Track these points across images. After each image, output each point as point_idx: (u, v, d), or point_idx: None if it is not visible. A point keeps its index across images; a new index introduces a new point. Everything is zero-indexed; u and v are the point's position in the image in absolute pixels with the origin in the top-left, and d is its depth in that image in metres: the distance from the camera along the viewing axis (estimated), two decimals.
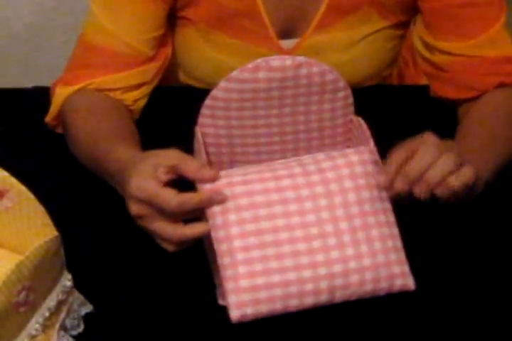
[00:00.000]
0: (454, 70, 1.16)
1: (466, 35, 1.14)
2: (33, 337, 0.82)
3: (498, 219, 1.03)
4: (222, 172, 0.86)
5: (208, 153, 0.96)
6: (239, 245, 0.83)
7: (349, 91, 0.95)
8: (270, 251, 0.83)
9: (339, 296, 0.84)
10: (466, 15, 1.14)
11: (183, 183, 0.88)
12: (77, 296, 0.88)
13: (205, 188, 0.85)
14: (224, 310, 0.91)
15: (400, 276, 0.85)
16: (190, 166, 0.86)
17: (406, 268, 0.86)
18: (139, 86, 1.15)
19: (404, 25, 1.24)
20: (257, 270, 0.83)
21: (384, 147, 0.90)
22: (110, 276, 0.96)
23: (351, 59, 1.22)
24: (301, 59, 0.90)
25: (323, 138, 0.99)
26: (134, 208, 0.88)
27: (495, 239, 1.01)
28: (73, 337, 0.87)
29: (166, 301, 0.93)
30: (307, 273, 0.83)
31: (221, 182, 0.85)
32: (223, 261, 0.84)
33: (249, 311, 0.83)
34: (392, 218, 0.87)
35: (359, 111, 0.98)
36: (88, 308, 0.90)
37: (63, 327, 0.86)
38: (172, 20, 1.20)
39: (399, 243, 0.86)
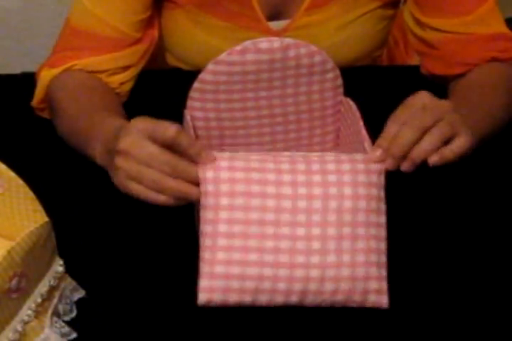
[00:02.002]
0: (445, 47, 1.15)
1: (456, 11, 1.14)
2: (26, 322, 0.82)
3: (498, 219, 1.03)
4: (226, 154, 0.85)
5: (197, 136, 0.95)
6: (223, 230, 0.83)
7: (338, 73, 0.95)
8: (252, 243, 0.82)
9: (310, 301, 0.83)
10: None
11: None
12: (70, 282, 0.88)
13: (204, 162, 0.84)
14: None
15: (375, 292, 0.84)
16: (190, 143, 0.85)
17: (384, 285, 0.84)
18: (125, 68, 1.14)
19: (394, 5, 1.24)
20: (235, 259, 0.82)
21: (373, 128, 0.90)
22: (102, 261, 0.96)
23: (342, 40, 1.22)
24: (289, 41, 0.90)
25: (312, 120, 0.99)
26: (129, 162, 0.86)
27: (493, 240, 1.00)
28: (66, 322, 0.87)
29: (158, 286, 0.93)
30: (283, 272, 0.82)
31: (222, 165, 0.84)
32: (205, 242, 0.83)
33: (218, 298, 0.82)
34: (383, 233, 0.85)
35: (348, 92, 0.97)
36: (80, 294, 0.90)
37: (56, 313, 0.86)
38: (159, 2, 1.19)
39: (383, 258, 0.84)
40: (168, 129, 0.84)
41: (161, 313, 0.90)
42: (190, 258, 0.94)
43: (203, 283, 0.83)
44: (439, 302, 0.92)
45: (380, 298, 0.84)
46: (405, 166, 0.85)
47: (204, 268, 0.83)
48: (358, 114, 0.92)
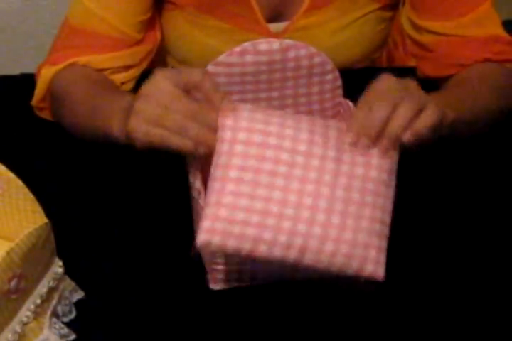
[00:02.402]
0: (440, 49, 1.16)
1: (452, 14, 1.14)
2: (25, 323, 0.82)
3: (497, 218, 1.03)
4: (248, 106, 0.85)
5: None
6: (234, 176, 0.82)
7: (337, 74, 0.95)
8: (261, 191, 0.82)
9: (308, 259, 0.82)
10: None
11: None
12: (69, 283, 0.88)
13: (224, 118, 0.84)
14: (216, 294, 0.92)
15: (374, 262, 0.83)
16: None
17: (382, 257, 0.83)
18: (126, 68, 1.14)
19: (393, 7, 1.24)
20: (240, 205, 0.81)
21: None
22: (101, 262, 0.96)
23: (341, 42, 1.22)
24: (288, 42, 0.90)
25: None
26: (150, 104, 0.84)
27: (493, 238, 1.00)
28: (65, 323, 0.87)
29: (158, 287, 0.93)
30: (286, 225, 0.81)
31: (243, 114, 0.84)
32: (214, 186, 0.83)
33: (217, 241, 0.81)
34: (389, 206, 0.85)
35: (348, 93, 0.97)
36: (80, 295, 0.90)
37: (55, 314, 0.86)
38: (160, 4, 1.19)
39: (386, 231, 0.84)
40: (193, 72, 0.84)
41: (161, 314, 0.90)
42: (190, 259, 0.94)
43: (206, 223, 0.81)
44: (438, 300, 0.92)
45: (377, 269, 0.83)
46: (383, 145, 0.85)
47: (209, 210, 0.82)
48: None
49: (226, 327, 0.89)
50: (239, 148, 0.83)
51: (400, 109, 0.85)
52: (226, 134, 0.83)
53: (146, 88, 0.85)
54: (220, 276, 0.91)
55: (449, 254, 0.97)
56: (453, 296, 0.93)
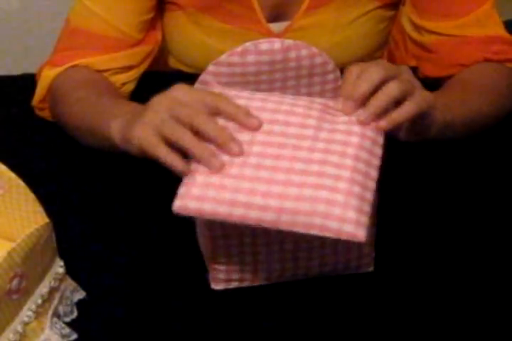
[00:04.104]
0: (441, 49, 1.16)
1: (453, 14, 1.14)
2: (26, 323, 0.82)
3: (495, 215, 1.03)
4: (232, 92, 0.87)
5: None
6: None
7: (338, 74, 0.95)
8: (236, 159, 0.83)
9: (285, 220, 0.81)
10: None
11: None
12: (70, 283, 0.88)
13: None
14: (216, 294, 0.92)
15: (353, 223, 0.80)
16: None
17: (363, 219, 0.80)
18: (126, 69, 1.14)
19: (394, 6, 1.24)
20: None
21: None
22: (102, 262, 0.96)
23: (342, 41, 1.22)
24: (289, 42, 0.90)
25: None
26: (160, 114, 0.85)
27: (491, 235, 1.01)
28: (66, 323, 0.87)
29: (159, 287, 0.93)
30: (261, 187, 0.81)
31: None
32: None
33: (192, 205, 0.81)
34: (373, 173, 0.83)
35: None
36: (81, 295, 0.90)
37: (56, 314, 0.86)
38: (161, 4, 1.19)
39: (369, 196, 0.82)
40: (217, 96, 0.85)
41: (162, 314, 0.90)
42: (191, 259, 0.94)
43: (182, 190, 0.82)
44: (438, 299, 0.92)
45: (357, 230, 0.80)
46: (365, 116, 0.85)
47: (185, 178, 0.83)
48: None
49: (227, 327, 0.89)
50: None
51: (389, 84, 0.85)
52: None
53: (162, 97, 0.86)
54: (221, 276, 0.91)
55: (447, 253, 0.97)
56: (452, 295, 0.93)
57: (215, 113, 0.85)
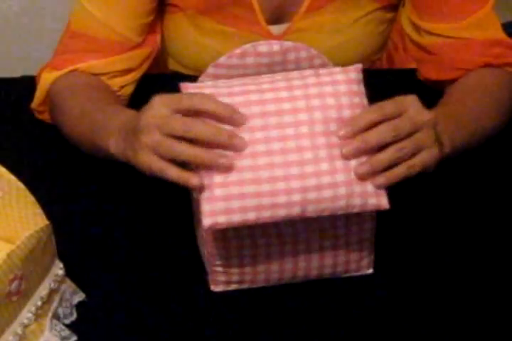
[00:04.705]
0: (441, 52, 1.16)
1: (453, 16, 1.14)
2: (26, 326, 0.82)
3: (495, 215, 1.03)
4: (208, 83, 0.87)
5: None
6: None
7: None
8: (246, 162, 0.83)
9: (311, 210, 0.83)
10: None
11: None
12: (70, 285, 0.88)
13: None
14: (216, 296, 0.92)
15: (374, 195, 0.84)
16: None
17: (382, 190, 0.85)
18: (125, 72, 1.14)
19: (393, 8, 1.24)
20: (231, 180, 0.83)
21: None
22: (102, 264, 0.96)
23: (341, 43, 1.22)
24: (288, 44, 0.90)
25: None
26: (159, 137, 0.85)
27: (491, 234, 1.01)
28: (66, 325, 0.87)
29: (159, 288, 0.93)
30: (280, 186, 0.83)
31: (206, 92, 0.85)
32: (201, 171, 0.84)
33: (222, 220, 0.82)
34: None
35: None
36: (80, 297, 0.90)
37: (56, 316, 0.86)
38: (161, 7, 1.19)
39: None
40: (194, 97, 0.85)
41: (162, 315, 0.90)
42: (190, 261, 0.94)
43: (205, 207, 0.83)
44: (438, 299, 0.92)
45: (379, 200, 0.84)
46: (347, 150, 0.85)
47: (204, 194, 0.83)
48: None
49: (226, 329, 0.89)
50: None
51: (395, 148, 0.85)
52: None
53: (145, 116, 0.86)
54: (221, 278, 0.91)
55: (446, 255, 0.97)
56: (452, 297, 0.93)
57: (198, 114, 0.85)
